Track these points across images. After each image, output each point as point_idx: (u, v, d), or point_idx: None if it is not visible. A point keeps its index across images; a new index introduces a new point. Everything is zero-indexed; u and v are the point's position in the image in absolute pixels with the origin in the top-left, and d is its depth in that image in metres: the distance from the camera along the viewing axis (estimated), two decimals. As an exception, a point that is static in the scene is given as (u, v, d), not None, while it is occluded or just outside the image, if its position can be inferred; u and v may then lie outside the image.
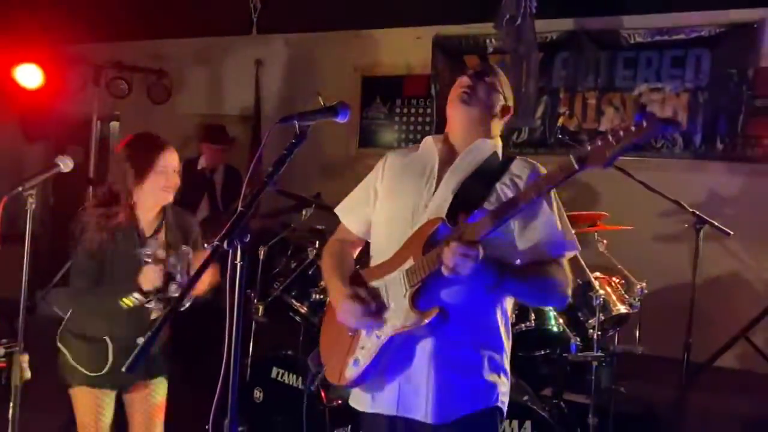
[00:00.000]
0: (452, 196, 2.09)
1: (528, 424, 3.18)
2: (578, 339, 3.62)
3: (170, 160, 2.76)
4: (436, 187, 2.13)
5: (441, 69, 6.16)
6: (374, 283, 2.14)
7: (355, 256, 2.38)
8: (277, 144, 1.91)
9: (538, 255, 2.09)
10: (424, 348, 2.07)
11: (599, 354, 3.51)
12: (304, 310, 3.91)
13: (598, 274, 3.77)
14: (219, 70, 7.18)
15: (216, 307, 2.78)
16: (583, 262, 3.67)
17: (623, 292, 3.83)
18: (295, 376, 3.75)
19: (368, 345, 2.10)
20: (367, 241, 2.36)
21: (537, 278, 2.09)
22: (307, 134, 1.91)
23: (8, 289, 2.86)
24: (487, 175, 2.12)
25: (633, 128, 1.73)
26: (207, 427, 1.82)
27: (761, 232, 5.04)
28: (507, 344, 2.19)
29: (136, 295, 2.58)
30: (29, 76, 6.33)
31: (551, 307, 3.59)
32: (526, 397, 3.30)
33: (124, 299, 2.59)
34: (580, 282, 3.73)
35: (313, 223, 4.31)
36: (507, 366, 2.19)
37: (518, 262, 2.12)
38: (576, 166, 1.80)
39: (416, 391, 2.08)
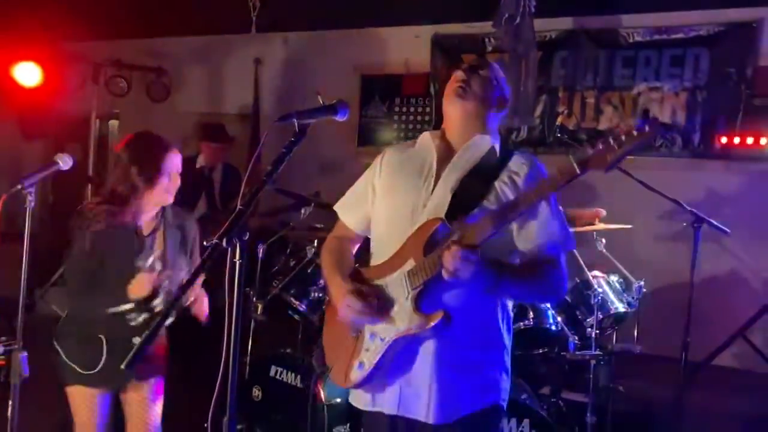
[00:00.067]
0: (451, 195, 2.08)
1: (526, 422, 3.18)
2: (577, 338, 3.63)
3: (175, 163, 2.77)
4: (435, 186, 2.12)
5: (440, 68, 6.17)
6: (375, 283, 2.14)
7: (354, 252, 2.38)
8: (276, 142, 1.91)
9: (536, 254, 2.09)
10: (427, 349, 2.07)
11: (597, 353, 3.52)
12: (303, 308, 3.91)
13: (596, 272, 3.78)
14: (218, 68, 7.18)
15: (214, 307, 2.80)
16: (581, 261, 3.67)
17: (622, 291, 3.84)
18: (293, 374, 3.75)
19: (372, 347, 2.10)
20: (366, 237, 2.36)
21: (534, 279, 2.09)
22: (306, 132, 1.92)
23: (7, 288, 2.86)
24: (485, 172, 2.12)
25: (635, 133, 1.73)
26: (206, 425, 1.82)
27: (759, 231, 5.04)
28: (508, 341, 2.20)
29: (124, 306, 2.61)
30: (28, 74, 6.33)
31: (547, 303, 3.60)
32: (524, 396, 3.30)
33: (111, 308, 2.62)
34: (579, 281, 3.74)
35: (312, 222, 4.31)
36: (508, 363, 2.19)
37: (516, 260, 2.12)
38: (577, 170, 1.80)
39: (418, 391, 2.08)
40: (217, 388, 1.76)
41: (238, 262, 1.71)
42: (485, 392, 2.12)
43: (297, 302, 3.92)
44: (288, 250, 4.43)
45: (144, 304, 2.66)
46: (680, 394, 4.03)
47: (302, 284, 3.97)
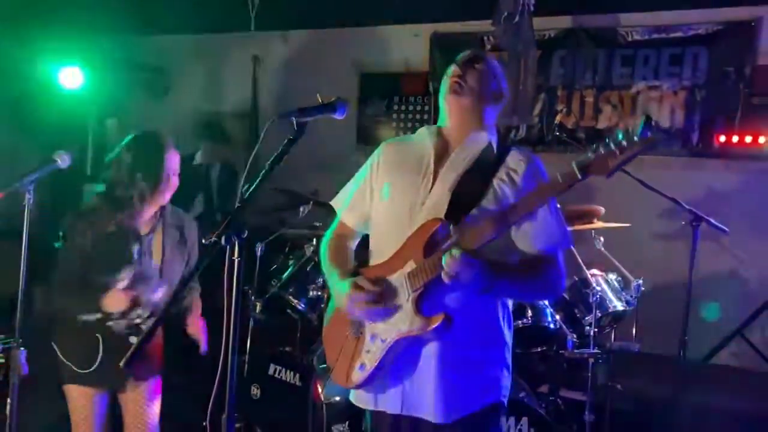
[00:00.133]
0: (450, 194, 2.08)
1: (525, 420, 3.19)
2: (575, 336, 3.64)
3: (174, 164, 2.77)
4: (433, 184, 2.12)
5: (439, 66, 6.15)
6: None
7: (353, 248, 2.38)
8: (275, 141, 1.91)
9: (534, 253, 2.09)
10: (428, 350, 2.07)
11: (596, 351, 3.52)
12: (301, 307, 3.92)
13: (595, 271, 3.79)
14: (217, 66, 7.16)
15: (213, 306, 2.80)
16: (579, 259, 3.68)
17: (620, 290, 3.85)
18: (292, 373, 3.75)
19: (373, 349, 2.10)
20: (364, 233, 2.36)
21: (532, 278, 2.10)
22: (304, 130, 1.92)
23: (6, 286, 2.85)
24: (483, 170, 2.11)
25: (637, 139, 1.73)
26: (205, 423, 1.82)
27: (758, 229, 5.04)
28: (509, 338, 2.20)
29: (97, 315, 2.62)
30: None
31: (545, 301, 3.61)
32: (522, 394, 3.31)
33: (83, 316, 2.63)
34: (577, 279, 3.75)
35: (310, 220, 4.31)
36: (509, 359, 2.20)
37: (514, 259, 2.12)
38: (579, 175, 1.80)
39: (421, 391, 2.08)
40: (215, 386, 1.76)
41: (236, 260, 1.71)
42: (487, 391, 2.12)
43: (296, 301, 3.92)
44: (286, 249, 4.44)
45: (121, 316, 2.65)
46: (678, 392, 4.03)
47: (301, 283, 3.97)
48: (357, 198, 2.31)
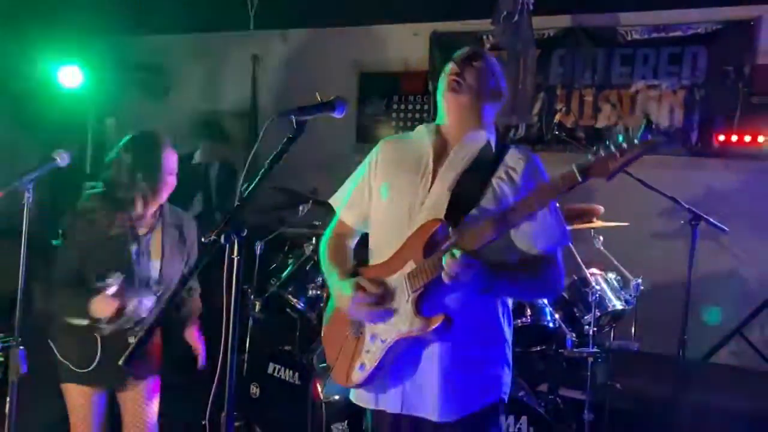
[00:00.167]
0: (449, 194, 2.07)
1: (524, 419, 3.19)
2: (574, 335, 3.64)
3: (172, 163, 2.77)
4: (432, 184, 2.11)
5: (438, 65, 6.14)
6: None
7: (352, 247, 2.37)
8: (275, 140, 1.91)
9: (532, 252, 2.09)
10: (429, 350, 2.07)
11: (595, 350, 3.52)
12: (300, 305, 3.92)
13: (594, 270, 3.79)
14: (216, 65, 7.16)
15: (211, 305, 2.80)
16: (579, 258, 3.68)
17: (619, 289, 3.85)
18: (291, 371, 3.75)
19: (373, 349, 2.09)
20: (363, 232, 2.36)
21: (531, 277, 2.09)
22: (304, 129, 1.91)
23: (5, 284, 2.85)
24: (481, 169, 2.10)
25: (638, 142, 1.73)
26: (204, 422, 1.83)
27: (757, 228, 5.05)
28: (509, 335, 2.20)
29: (85, 321, 2.61)
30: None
31: (544, 299, 3.61)
32: (521, 393, 3.31)
33: (72, 318, 2.63)
34: (577, 278, 3.75)
35: (309, 219, 4.31)
36: (510, 356, 2.20)
37: (514, 257, 2.12)
38: (579, 178, 1.80)
39: (421, 391, 2.08)
40: (215, 385, 1.76)
41: (236, 259, 1.71)
42: (488, 391, 2.12)
43: (295, 300, 3.92)
44: (286, 248, 4.44)
45: (108, 322, 2.65)
46: (677, 391, 4.03)
47: (300, 282, 3.97)
48: (356, 196, 2.30)
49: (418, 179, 2.13)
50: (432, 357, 2.07)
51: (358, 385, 2.14)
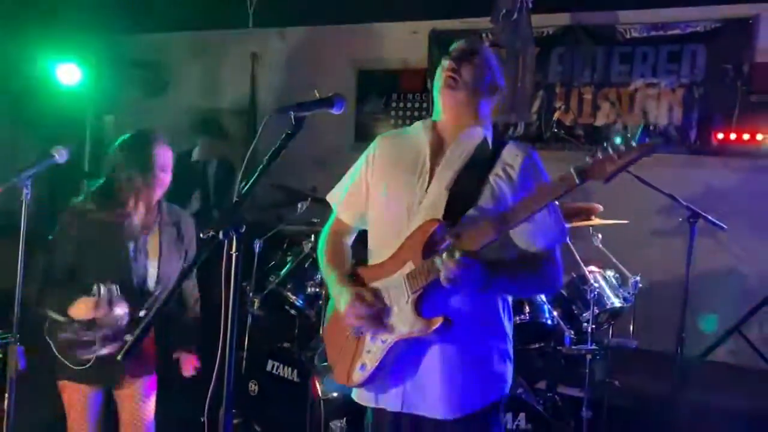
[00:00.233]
0: (447, 193, 2.06)
1: (522, 416, 3.19)
2: (572, 332, 3.64)
3: (165, 160, 2.76)
4: (429, 182, 2.10)
5: (437, 64, 6.13)
6: (375, 285, 2.12)
7: (350, 244, 2.36)
8: (273, 137, 1.90)
9: (531, 249, 2.09)
10: (430, 350, 2.07)
11: (593, 347, 3.52)
12: (299, 303, 3.92)
13: (592, 267, 3.79)
14: (215, 63, 7.16)
15: (211, 303, 2.80)
16: (577, 256, 3.68)
17: (618, 286, 3.85)
18: (290, 369, 3.75)
19: (374, 349, 2.09)
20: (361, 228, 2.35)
21: (530, 275, 2.09)
22: (302, 125, 1.91)
23: (3, 281, 2.85)
24: (479, 166, 2.09)
25: (636, 145, 1.73)
26: (202, 419, 1.83)
27: (755, 226, 5.06)
28: (509, 329, 2.20)
29: (63, 319, 2.62)
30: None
31: (543, 297, 3.61)
32: (520, 390, 3.31)
33: (51, 312, 2.64)
34: (575, 275, 3.75)
35: (308, 217, 4.31)
36: (510, 350, 2.19)
37: (512, 255, 2.12)
38: (577, 181, 1.79)
39: (422, 390, 2.07)
40: (213, 382, 1.76)
41: (234, 255, 1.70)
42: (490, 389, 2.12)
43: (294, 297, 3.92)
44: (284, 245, 4.44)
45: (86, 326, 2.64)
46: (676, 389, 4.04)
47: (299, 279, 3.97)
48: (353, 193, 2.29)
49: (415, 179, 2.12)
50: (433, 356, 2.06)
51: (359, 385, 2.14)
